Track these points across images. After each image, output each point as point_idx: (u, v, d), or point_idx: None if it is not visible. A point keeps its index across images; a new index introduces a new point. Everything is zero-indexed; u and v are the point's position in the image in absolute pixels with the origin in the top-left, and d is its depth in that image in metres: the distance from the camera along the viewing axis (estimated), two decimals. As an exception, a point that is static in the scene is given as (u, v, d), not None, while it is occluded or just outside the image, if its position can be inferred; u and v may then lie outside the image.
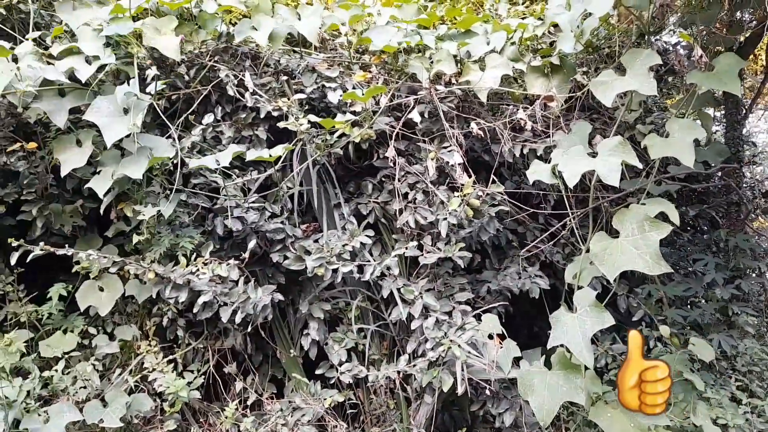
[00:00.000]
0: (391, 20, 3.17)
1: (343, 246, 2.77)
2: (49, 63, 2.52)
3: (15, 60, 2.42)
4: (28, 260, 2.34)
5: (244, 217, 2.73)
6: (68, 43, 2.56)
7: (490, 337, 2.63)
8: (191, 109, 2.80)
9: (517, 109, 2.78)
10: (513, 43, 2.94)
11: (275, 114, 2.77)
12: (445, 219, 2.79)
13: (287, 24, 2.88)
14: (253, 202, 2.81)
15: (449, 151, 2.84)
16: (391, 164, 2.89)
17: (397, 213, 2.95)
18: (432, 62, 2.93)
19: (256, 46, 3.04)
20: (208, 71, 2.89)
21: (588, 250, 2.30)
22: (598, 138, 2.71)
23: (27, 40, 2.53)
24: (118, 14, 2.59)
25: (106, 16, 2.60)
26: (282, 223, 2.89)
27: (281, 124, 2.68)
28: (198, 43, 2.88)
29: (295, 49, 3.18)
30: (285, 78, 2.98)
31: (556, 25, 3.00)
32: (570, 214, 2.63)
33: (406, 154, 3.09)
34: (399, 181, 2.94)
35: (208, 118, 2.73)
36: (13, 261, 2.32)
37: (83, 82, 2.40)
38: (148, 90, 2.45)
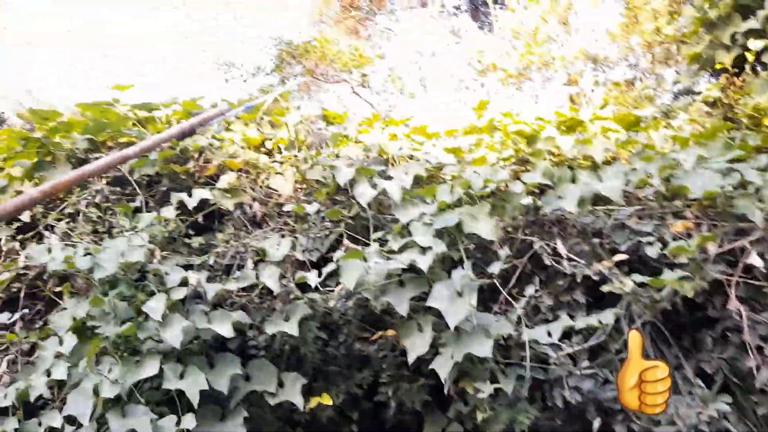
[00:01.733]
0: (699, 160, 3.04)
1: (698, 415, 2.50)
2: (389, 258, 2.93)
3: (364, 259, 2.87)
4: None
5: (579, 386, 2.66)
6: (402, 238, 2.96)
7: None
8: (511, 283, 2.95)
9: None
10: None
11: (596, 278, 2.76)
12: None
13: (591, 189, 2.95)
14: (585, 369, 2.75)
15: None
16: (736, 316, 2.61)
17: (754, 370, 2.59)
18: (761, 199, 2.68)
19: (561, 212, 3.15)
20: (520, 244, 3.06)
21: None
22: None
23: (372, 241, 3.00)
24: (441, 208, 2.95)
25: (433, 210, 2.97)
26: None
27: (604, 288, 2.65)
28: (509, 219, 3.10)
29: (598, 208, 3.20)
30: (596, 240, 2.99)
31: None
32: None
33: (748, 300, 2.77)
34: (749, 334, 2.62)
35: (530, 290, 2.84)
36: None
37: (424, 271, 2.71)
38: (490, 271, 2.67)
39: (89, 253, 2.78)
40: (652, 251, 2.81)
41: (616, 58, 9.00)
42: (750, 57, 4.40)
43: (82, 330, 2.56)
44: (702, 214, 2.92)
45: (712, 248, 2.62)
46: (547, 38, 8.93)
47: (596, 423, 2.54)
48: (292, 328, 2.67)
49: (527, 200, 3.07)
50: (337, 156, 3.74)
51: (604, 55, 9.04)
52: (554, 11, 9.24)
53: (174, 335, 2.42)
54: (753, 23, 5.15)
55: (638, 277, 2.62)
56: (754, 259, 2.54)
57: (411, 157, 3.92)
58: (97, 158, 3.49)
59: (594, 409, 2.68)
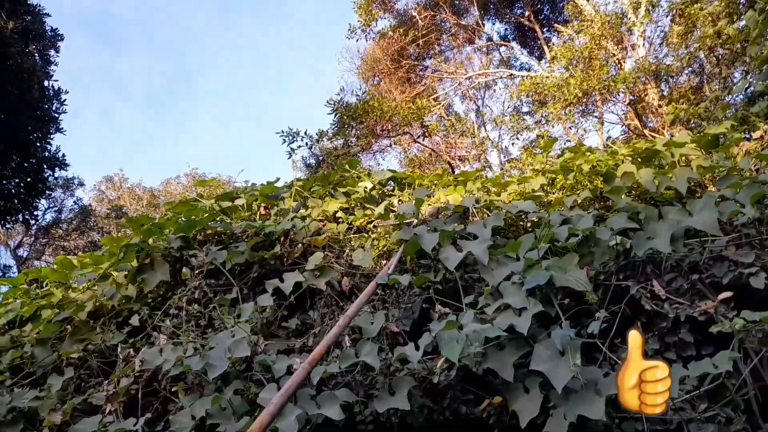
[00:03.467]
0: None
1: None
2: (484, 321, 2.94)
3: (460, 328, 2.88)
4: None
5: (702, 430, 2.55)
6: (495, 300, 2.96)
7: None
8: (612, 332, 2.88)
9: None
10: None
11: (701, 318, 2.66)
12: None
13: (682, 225, 2.87)
14: (704, 411, 2.63)
15: None
16: None
17: None
18: None
19: (653, 252, 3.07)
20: (614, 289, 2.99)
21: None
22: None
23: (465, 305, 3.02)
24: (529, 265, 2.94)
25: (521, 268, 2.97)
26: (744, 429, 2.60)
27: (713, 329, 2.55)
28: (599, 266, 3.05)
29: (689, 240, 3.10)
30: (695, 276, 2.89)
31: None
32: None
33: None
34: None
35: (633, 338, 2.76)
36: None
37: (525, 334, 2.70)
38: (590, 330, 2.63)
39: (197, 350, 2.92)
40: (758, 282, 2.69)
41: (678, 66, 8.74)
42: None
43: (203, 428, 2.68)
44: (805, 236, 2.79)
45: (824, 273, 2.49)
46: (603, 60, 8.81)
47: (727, 473, 2.41)
48: (403, 403, 2.70)
49: (615, 241, 3.01)
50: (417, 218, 3.80)
51: (665, 66, 8.79)
52: (606, 31, 9.13)
53: (289, 425, 2.49)
54: (824, 17, 4.95)
55: (748, 313, 2.51)
56: None
57: (489, 208, 3.94)
58: (192, 255, 3.70)
59: (721, 456, 2.55)
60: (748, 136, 4.49)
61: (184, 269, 3.66)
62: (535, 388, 2.66)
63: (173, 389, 3.02)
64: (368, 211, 3.99)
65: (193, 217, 4.06)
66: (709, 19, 8.03)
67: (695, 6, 8.12)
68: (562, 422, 2.54)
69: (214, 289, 3.68)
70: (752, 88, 6.24)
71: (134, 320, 3.51)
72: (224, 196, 4.43)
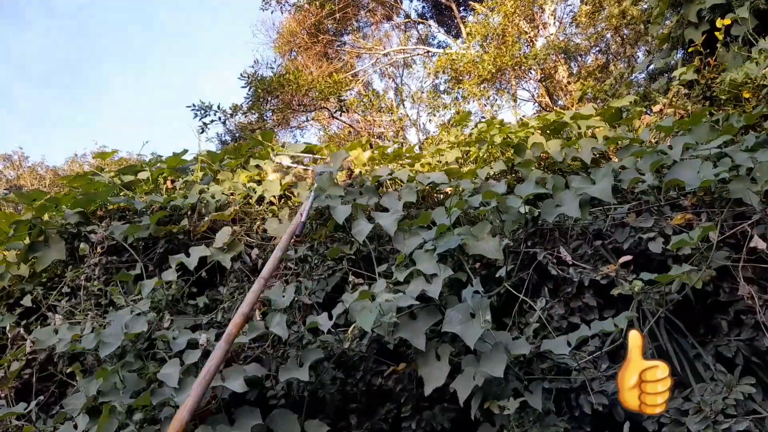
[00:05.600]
0: (687, 149, 3.05)
1: (724, 400, 2.49)
2: (397, 291, 2.92)
3: (373, 297, 2.85)
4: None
5: (604, 389, 2.65)
6: (407, 268, 2.95)
7: None
8: (521, 297, 2.94)
9: None
10: None
11: (603, 282, 2.76)
12: None
13: (585, 191, 2.95)
14: (606, 371, 2.74)
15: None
16: (747, 299, 2.61)
17: (773, 350, 2.60)
18: (754, 180, 2.69)
19: (560, 219, 3.15)
20: (523, 256, 3.05)
21: None
22: None
23: (378, 275, 2.99)
24: (441, 232, 2.94)
25: (433, 236, 2.96)
26: (640, 387, 2.73)
27: (614, 292, 2.65)
28: (508, 233, 3.10)
29: (593, 209, 3.21)
30: (598, 242, 2.99)
31: None
32: None
33: (756, 281, 2.77)
34: (762, 314, 2.62)
35: (541, 302, 2.83)
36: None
37: (435, 299, 2.70)
38: (498, 274, 2.66)
39: (95, 330, 2.75)
40: (656, 247, 2.81)
41: (586, 45, 9.08)
42: (719, 34, 4.42)
43: (96, 409, 2.53)
44: (699, 203, 2.93)
45: (714, 236, 2.63)
46: (516, 37, 9.00)
47: (626, 426, 2.52)
48: (304, 374, 2.65)
49: (524, 209, 3.07)
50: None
51: (574, 45, 9.12)
52: (519, 9, 9.33)
53: (183, 399, 2.39)
54: (717, -2, 5.21)
55: (646, 275, 2.62)
56: (757, 242, 2.54)
57: (405, 180, 3.92)
58: (90, 231, 3.47)
59: (621, 409, 2.67)
60: (649, 111, 4.70)
61: (82, 245, 3.43)
62: (446, 355, 2.68)
63: (69, 371, 2.83)
64: (284, 180, 3.87)
65: (92, 191, 3.80)
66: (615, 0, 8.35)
67: (603, -14, 8.44)
68: (470, 382, 2.57)
69: (116, 266, 3.48)
70: (653, 66, 6.54)
71: (26, 301, 3.26)
72: (127, 170, 4.18)
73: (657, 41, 6.19)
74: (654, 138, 3.84)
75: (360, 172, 4.01)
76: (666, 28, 5.94)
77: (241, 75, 11.29)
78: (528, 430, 2.66)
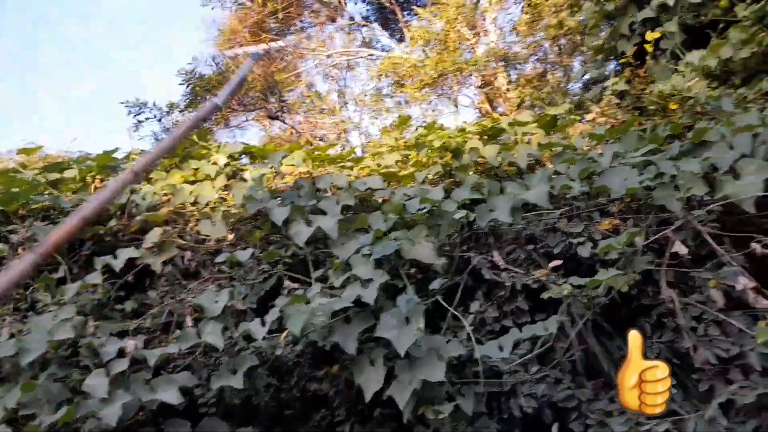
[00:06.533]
0: (616, 157, 3.15)
1: (646, 403, 2.58)
2: (333, 296, 2.89)
3: (308, 302, 2.82)
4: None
5: (534, 391, 2.71)
6: (344, 273, 2.93)
7: None
8: (456, 301, 2.97)
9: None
10: (765, 142, 2.72)
11: (535, 286, 2.81)
12: (752, 350, 2.49)
13: (520, 198, 3.01)
14: (536, 374, 2.79)
15: (731, 274, 2.60)
16: (668, 302, 2.72)
17: (692, 350, 2.71)
18: (677, 187, 2.81)
19: (495, 224, 3.20)
20: (458, 260, 3.09)
21: None
22: None
23: (311, 281, 2.96)
24: (378, 237, 2.94)
25: (370, 240, 2.96)
26: (569, 388, 2.80)
27: (545, 296, 2.71)
28: (444, 238, 3.12)
29: (526, 214, 3.27)
30: (530, 246, 3.06)
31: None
32: None
33: (677, 285, 2.89)
34: (682, 317, 2.73)
35: (475, 305, 2.87)
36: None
37: (371, 304, 2.69)
38: (431, 287, 2.67)
39: (14, 336, 2.61)
40: (584, 251, 2.89)
41: (525, 54, 9.31)
42: (648, 47, 4.61)
43: (15, 421, 2.39)
44: (626, 209, 3.03)
45: (639, 241, 2.72)
46: (457, 43, 9.13)
47: (555, 428, 2.58)
48: (237, 382, 2.59)
49: (460, 215, 3.10)
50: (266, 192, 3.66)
51: (513, 53, 9.33)
52: (462, 15, 9.46)
53: (112, 413, 2.29)
54: (648, 12, 5.43)
55: (575, 280, 2.69)
56: (679, 247, 2.65)
57: (344, 185, 3.90)
58: (10, 231, 3.30)
59: (549, 411, 2.73)
60: (583, 119, 4.85)
61: (1, 246, 3.25)
62: (380, 360, 2.67)
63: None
64: (217, 182, 3.78)
65: (14, 189, 3.61)
66: (553, 10, 8.58)
67: (542, -4, 8.67)
68: (406, 388, 2.57)
69: (38, 268, 3.30)
70: (588, 76, 6.76)
71: (-62, 307, 3.05)
72: (52, 167, 3.99)
73: (592, 52, 6.39)
74: (587, 146, 3.96)
75: (299, 175, 3.96)
76: (600, 40, 6.15)
77: (178, 71, 11.03)
78: (460, 433, 2.68)
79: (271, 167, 4.03)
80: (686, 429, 2.52)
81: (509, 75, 9.28)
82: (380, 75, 10.86)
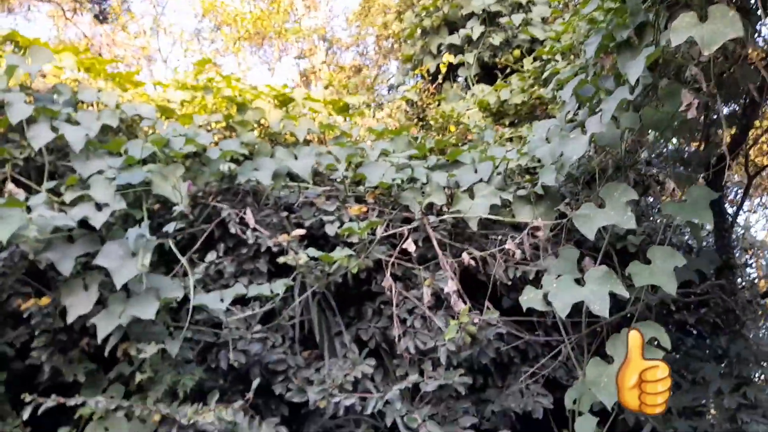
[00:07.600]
0: (384, 155, 3.38)
1: (345, 376, 2.80)
2: (61, 210, 2.67)
3: (28, 209, 2.56)
4: (39, 413, 2.33)
5: (248, 349, 2.78)
6: (80, 191, 2.72)
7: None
8: (195, 248, 2.93)
9: (506, 238, 2.91)
10: (499, 173, 3.13)
11: (275, 249, 2.89)
12: (444, 345, 2.84)
13: (285, 164, 3.08)
14: (255, 333, 2.87)
15: (444, 278, 2.94)
16: (389, 292, 2.98)
17: (397, 339, 3.00)
18: (423, 193, 3.10)
19: (257, 183, 3.22)
20: (211, 210, 3.05)
21: (585, 376, 2.34)
22: (587, 261, 2.82)
23: (41, 190, 2.70)
24: (129, 163, 2.78)
25: (119, 165, 2.78)
26: (284, 353, 2.93)
27: (281, 260, 2.79)
28: (202, 184, 3.06)
29: (292, 184, 3.35)
30: (285, 214, 3.14)
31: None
32: (565, 339, 2.68)
33: (403, 278, 3.19)
34: (397, 306, 3.02)
35: (211, 256, 2.85)
36: (25, 416, 2.31)
37: (97, 228, 2.53)
38: (165, 230, 2.58)
39: None
40: (331, 229, 3.05)
41: (347, 42, 9.54)
42: (443, 69, 5.01)
43: None
44: (378, 202, 3.26)
45: (379, 231, 2.95)
46: (285, 9, 9.02)
47: (255, 382, 2.66)
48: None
49: (224, 167, 3.07)
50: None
51: (338, 38, 9.51)
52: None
53: None
54: (455, 39, 5.91)
55: (312, 251, 2.82)
56: (409, 245, 2.92)
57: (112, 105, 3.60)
58: None
59: (258, 370, 2.82)
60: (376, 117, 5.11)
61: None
62: (95, 286, 2.55)
63: None
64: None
65: None
66: (383, 11, 8.90)
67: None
68: (114, 320, 2.48)
69: None
70: (394, 81, 7.14)
71: None
72: None
73: (402, 58, 6.77)
74: (366, 138, 4.17)
75: (64, 80, 3.57)
76: (412, 51, 6.53)
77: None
78: (163, 375, 2.65)
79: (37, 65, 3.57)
80: (367, 406, 2.78)
81: (327, 56, 9.42)
82: (205, 14, 10.29)
